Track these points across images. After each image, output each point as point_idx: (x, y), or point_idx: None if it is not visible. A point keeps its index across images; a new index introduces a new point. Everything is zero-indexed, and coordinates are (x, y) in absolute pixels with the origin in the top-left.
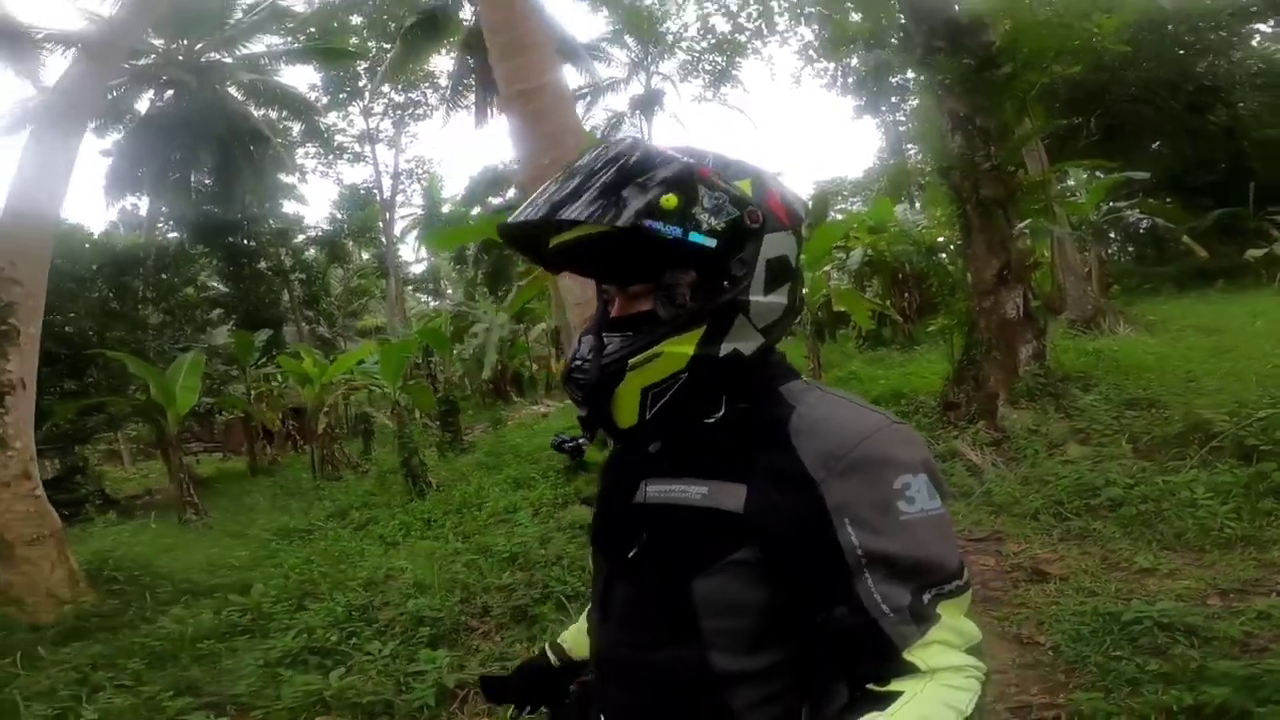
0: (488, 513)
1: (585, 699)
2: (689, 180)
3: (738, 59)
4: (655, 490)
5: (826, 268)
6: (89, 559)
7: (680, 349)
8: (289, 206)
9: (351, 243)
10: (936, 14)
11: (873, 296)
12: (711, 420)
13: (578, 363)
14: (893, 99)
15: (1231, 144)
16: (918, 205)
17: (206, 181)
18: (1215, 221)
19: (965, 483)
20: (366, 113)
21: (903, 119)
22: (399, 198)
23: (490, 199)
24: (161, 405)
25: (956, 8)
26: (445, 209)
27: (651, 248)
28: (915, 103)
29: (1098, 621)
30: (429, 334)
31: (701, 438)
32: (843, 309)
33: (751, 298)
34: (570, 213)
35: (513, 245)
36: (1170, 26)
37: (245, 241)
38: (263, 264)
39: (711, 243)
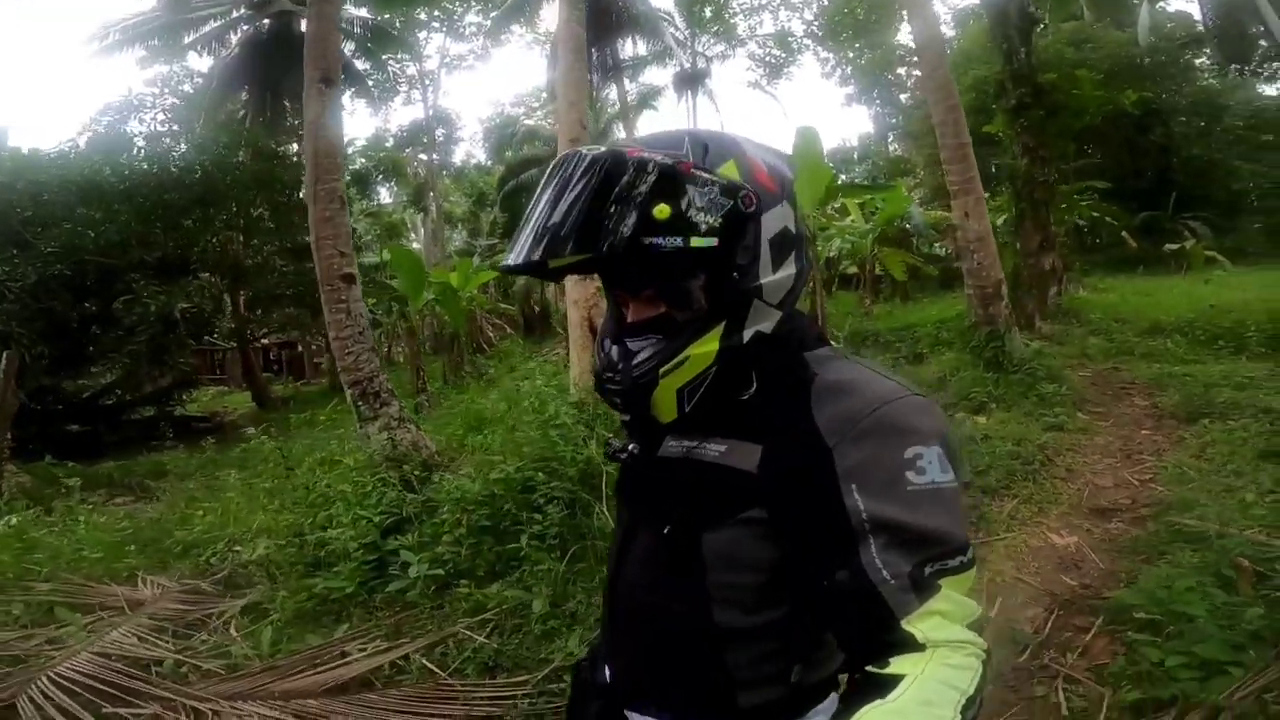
0: None
1: (596, 653)
2: (675, 182)
3: (798, 55)
4: (675, 445)
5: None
6: None
7: (706, 349)
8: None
9: (382, 177)
10: (1028, 80)
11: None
12: (745, 397)
13: (609, 374)
14: (884, 92)
15: (1163, 159)
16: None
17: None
18: (1141, 221)
19: (1029, 350)
20: (420, 57)
21: (890, 111)
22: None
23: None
24: (406, 295)
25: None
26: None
27: (653, 258)
28: (904, 97)
29: (1159, 377)
30: None
31: (730, 406)
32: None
33: (762, 280)
34: (565, 249)
35: (510, 273)
36: (1137, 53)
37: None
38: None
39: (713, 241)
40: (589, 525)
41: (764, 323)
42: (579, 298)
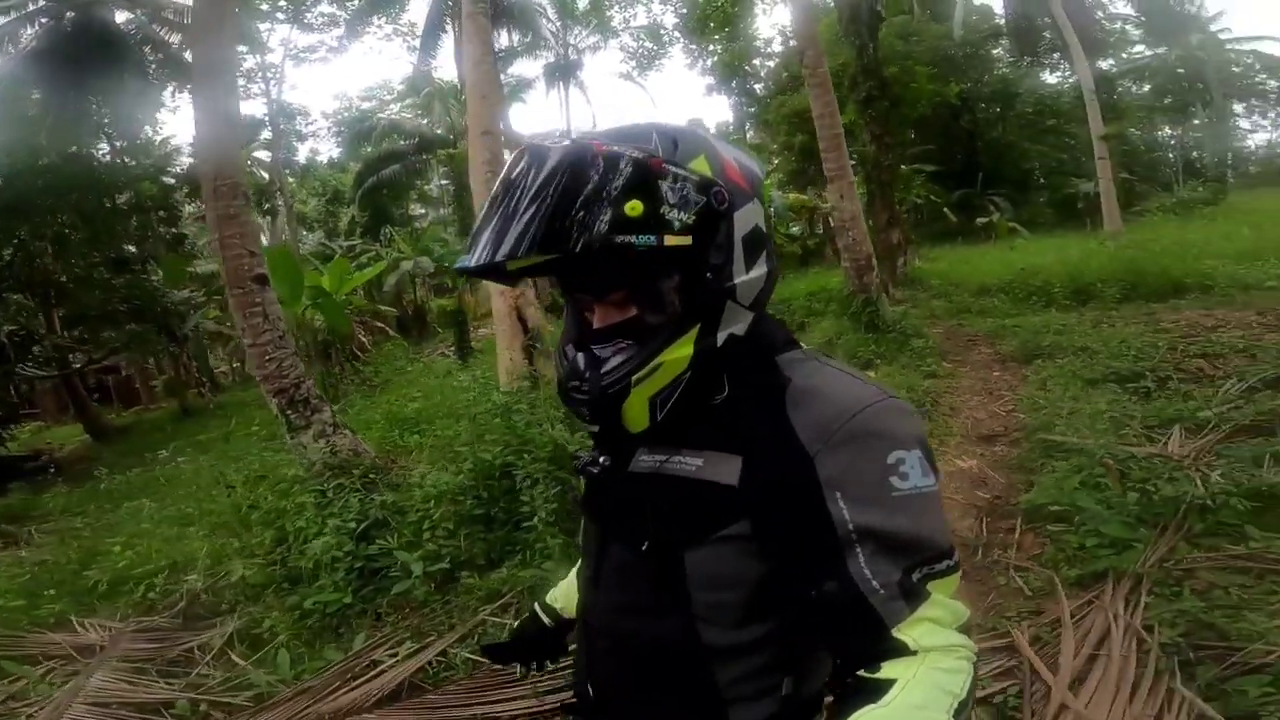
0: None
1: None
2: (646, 178)
3: (669, 47)
4: (649, 460)
5: None
6: None
7: (680, 353)
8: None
9: None
10: (876, 73)
11: None
12: (717, 400)
13: (574, 382)
14: (742, 83)
15: (971, 143)
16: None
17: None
18: (957, 198)
19: (894, 313)
20: (262, 49)
21: (746, 100)
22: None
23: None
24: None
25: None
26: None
27: (625, 258)
28: (759, 88)
29: (995, 329)
30: (450, 255)
31: (701, 412)
32: None
33: (736, 280)
34: (532, 249)
35: (468, 275)
36: (951, 45)
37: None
38: (123, 198)
39: (688, 240)
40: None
41: (737, 324)
42: (505, 287)
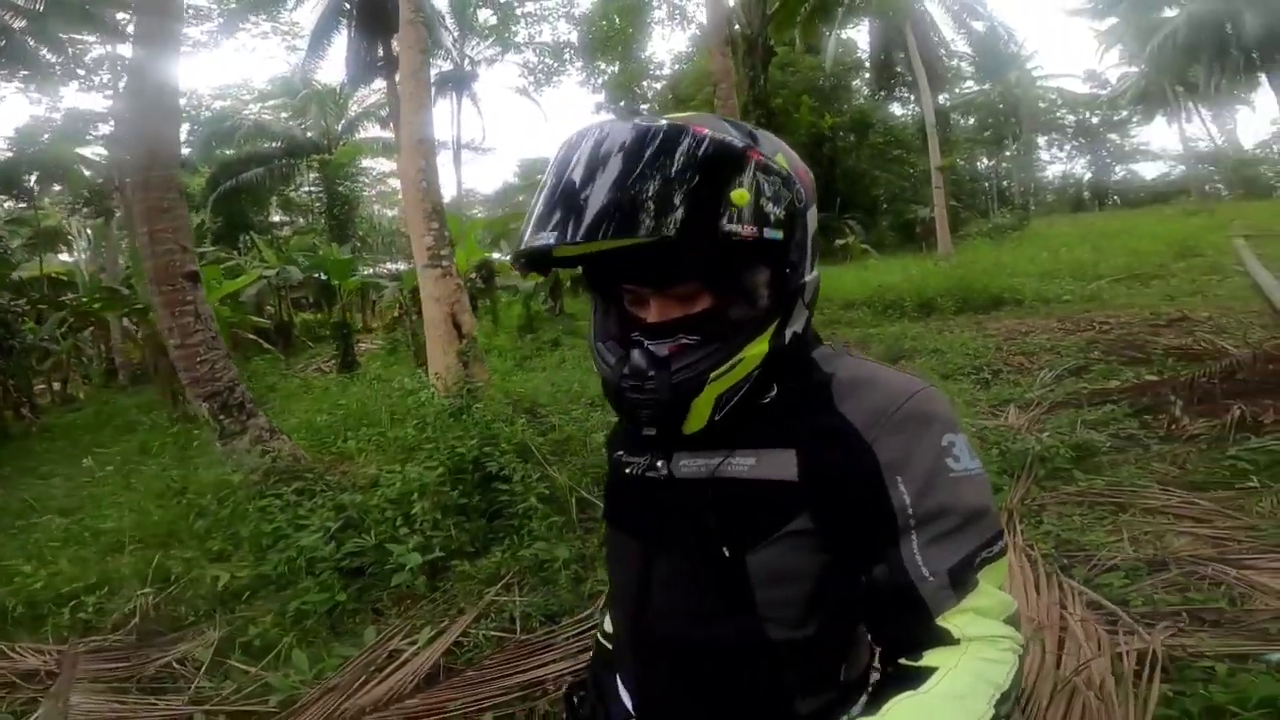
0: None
1: (602, 685)
2: (747, 168)
3: (570, 65)
4: (692, 464)
5: None
6: None
7: (759, 349)
8: None
9: (37, 176)
10: (765, 104)
11: None
12: (766, 400)
13: (633, 381)
14: (630, 103)
15: (831, 169)
16: None
17: None
18: (818, 222)
19: None
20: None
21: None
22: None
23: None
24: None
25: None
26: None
27: (725, 246)
28: (645, 108)
29: (864, 337)
30: (333, 265)
31: (751, 412)
32: None
33: (806, 279)
34: (636, 229)
35: (531, 257)
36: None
37: None
38: None
39: (780, 235)
40: (559, 486)
41: (798, 323)
42: (441, 294)
